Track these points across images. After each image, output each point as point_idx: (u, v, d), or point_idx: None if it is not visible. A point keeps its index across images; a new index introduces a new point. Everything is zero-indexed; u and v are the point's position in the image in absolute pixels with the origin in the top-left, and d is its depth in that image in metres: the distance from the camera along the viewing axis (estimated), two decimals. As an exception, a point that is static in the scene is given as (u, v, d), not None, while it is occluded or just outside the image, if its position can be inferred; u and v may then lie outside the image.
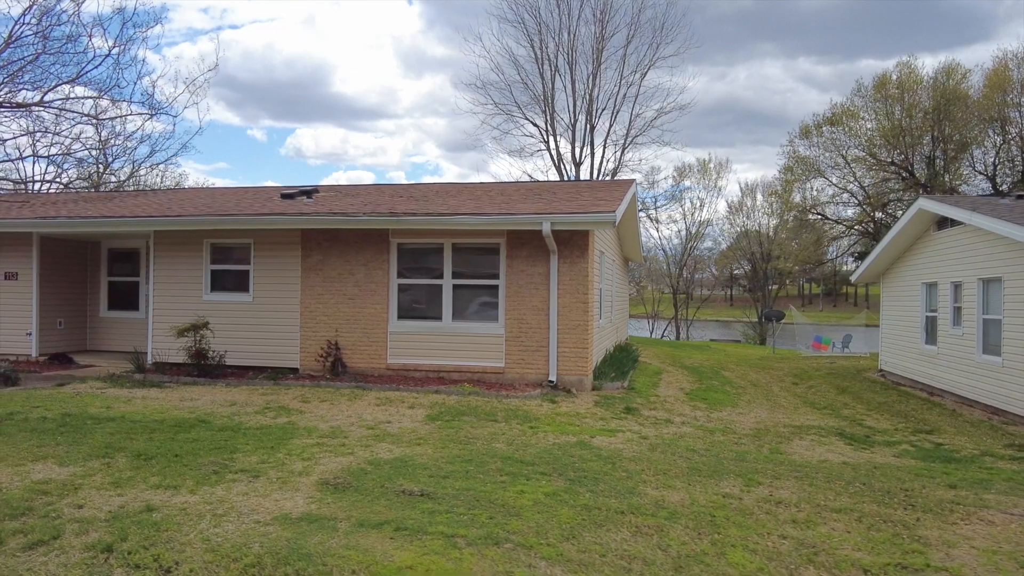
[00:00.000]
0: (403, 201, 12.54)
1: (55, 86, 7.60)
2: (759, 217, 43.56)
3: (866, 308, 78.35)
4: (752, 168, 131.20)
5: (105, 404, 9.01)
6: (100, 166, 27.82)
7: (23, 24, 8.01)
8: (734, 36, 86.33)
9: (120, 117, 7.88)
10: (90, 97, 7.75)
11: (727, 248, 49.10)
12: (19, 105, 7.56)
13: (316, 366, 11.70)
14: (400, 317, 11.71)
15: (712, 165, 39.17)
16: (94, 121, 7.80)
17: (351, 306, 11.73)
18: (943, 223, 13.79)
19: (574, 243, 10.94)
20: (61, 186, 12.68)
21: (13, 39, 8.07)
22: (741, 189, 58.26)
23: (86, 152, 8.49)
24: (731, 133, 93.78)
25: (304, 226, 11.54)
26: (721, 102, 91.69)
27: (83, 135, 8.61)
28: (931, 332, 14.31)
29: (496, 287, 11.40)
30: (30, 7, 8.03)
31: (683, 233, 38.02)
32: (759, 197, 42.99)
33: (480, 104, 29.06)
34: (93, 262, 14.69)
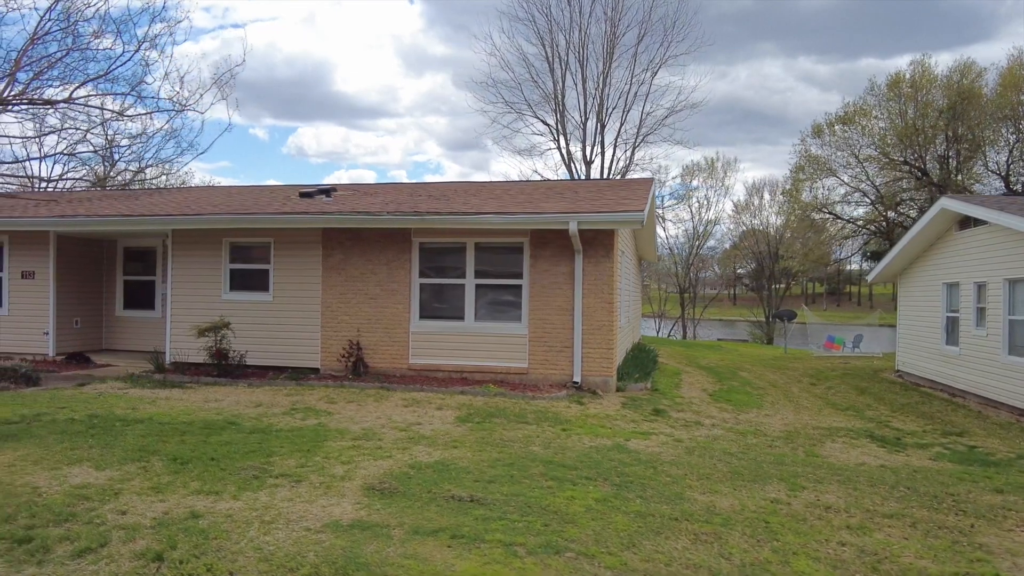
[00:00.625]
0: (424, 200, 12.42)
1: (83, 83, 7.49)
2: (767, 216, 43.49)
3: (870, 307, 78.30)
4: (753, 167, 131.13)
5: (130, 405, 8.90)
6: (107, 165, 27.70)
7: (49, 20, 7.89)
8: (734, 36, 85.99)
9: (148, 114, 7.75)
10: (117, 94, 7.64)
11: (730, 247, 48.98)
12: (47, 102, 7.44)
13: (337, 366, 11.58)
14: (422, 317, 11.59)
15: (719, 164, 39.07)
16: (122, 117, 7.68)
17: (372, 306, 11.62)
18: (965, 223, 13.66)
19: (599, 243, 10.82)
20: (88, 183, 12.54)
21: (38, 36, 7.95)
22: (747, 189, 58.24)
23: (95, 151, 8.32)
24: (732, 132, 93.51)
25: (327, 225, 11.42)
26: (722, 101, 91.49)
27: (91, 134, 8.45)
28: (952, 333, 14.19)
29: (519, 287, 11.28)
30: (54, 3, 7.90)
31: (690, 232, 37.92)
32: (766, 196, 42.90)
33: (491, 103, 28.85)
34: (108, 261, 14.56)
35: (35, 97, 7.40)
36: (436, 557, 4.27)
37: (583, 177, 26.65)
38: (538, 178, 27.15)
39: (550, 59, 27.16)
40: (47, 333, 13.08)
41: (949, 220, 14.16)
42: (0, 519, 4.79)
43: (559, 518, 4.97)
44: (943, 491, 6.55)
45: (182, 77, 8.44)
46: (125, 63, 7.48)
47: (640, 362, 13.35)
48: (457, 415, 8.71)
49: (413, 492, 5.42)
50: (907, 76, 30.04)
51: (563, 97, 27.31)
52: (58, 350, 13.09)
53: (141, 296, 14.51)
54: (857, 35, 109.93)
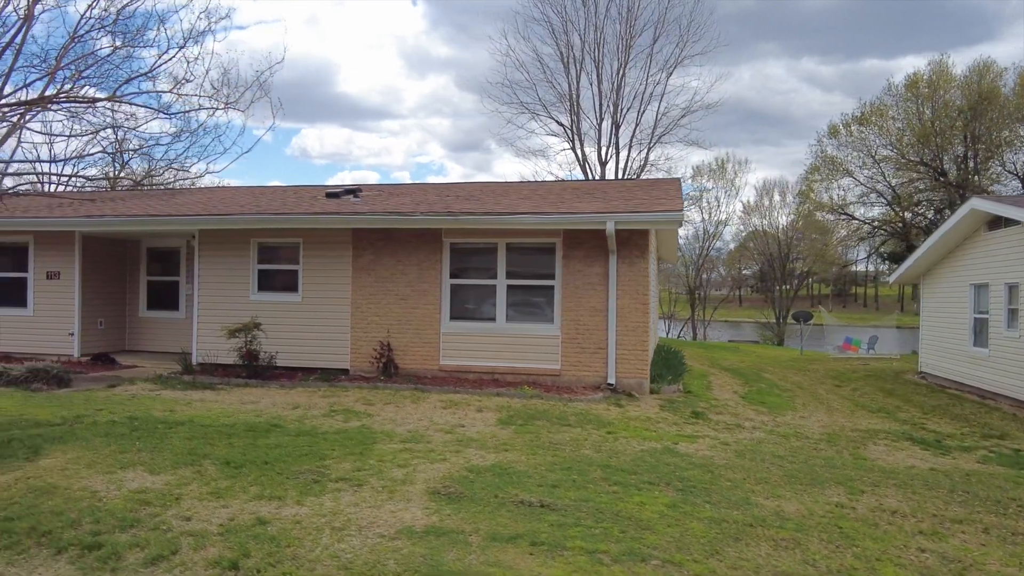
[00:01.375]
0: (453, 200, 12.32)
1: (127, 80, 7.38)
2: (777, 217, 43.39)
3: (876, 309, 78.07)
4: (755, 169, 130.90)
5: (166, 407, 8.80)
6: (117, 165, 27.59)
7: (89, 18, 7.78)
8: (737, 36, 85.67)
9: (195, 111, 7.63)
10: (164, 91, 7.54)
11: (736, 248, 48.83)
12: (92, 100, 7.34)
13: (367, 367, 11.48)
14: (453, 318, 11.49)
15: (730, 165, 38.98)
16: (166, 115, 7.58)
17: (403, 307, 11.51)
18: (995, 223, 13.54)
19: (633, 243, 10.72)
20: (102, 183, 12.37)
21: (78, 36, 7.84)
22: (757, 190, 58.17)
23: (135, 150, 8.18)
24: (735, 133, 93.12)
25: (359, 225, 11.32)
26: (725, 102, 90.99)
27: (129, 133, 8.31)
28: (981, 334, 14.07)
29: (551, 288, 11.18)
30: (95, 2, 7.79)
31: (700, 233, 37.78)
32: (776, 197, 42.79)
33: (505, 103, 28.68)
34: (132, 261, 14.46)
35: (78, 95, 7.30)
36: (520, 565, 4.17)
37: (598, 177, 26.55)
38: (552, 178, 27.07)
39: (565, 59, 27.06)
40: (72, 334, 12.98)
41: (978, 221, 14.04)
42: (65, 524, 4.69)
43: (635, 524, 4.87)
44: (1004, 496, 6.45)
45: (226, 73, 8.33)
46: (169, 60, 7.38)
47: (669, 364, 13.25)
48: (498, 417, 8.61)
49: (479, 497, 5.32)
50: (925, 76, 29.89)
51: (578, 97, 27.21)
52: (83, 351, 12.99)
53: (164, 297, 14.41)
54: (860, 35, 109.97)
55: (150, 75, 7.39)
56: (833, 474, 6.97)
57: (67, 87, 7.43)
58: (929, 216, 31.38)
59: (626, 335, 10.70)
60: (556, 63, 27.56)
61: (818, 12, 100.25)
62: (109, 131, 8.45)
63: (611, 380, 10.67)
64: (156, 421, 7.82)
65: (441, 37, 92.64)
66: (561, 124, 27.62)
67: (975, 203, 13.74)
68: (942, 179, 29.33)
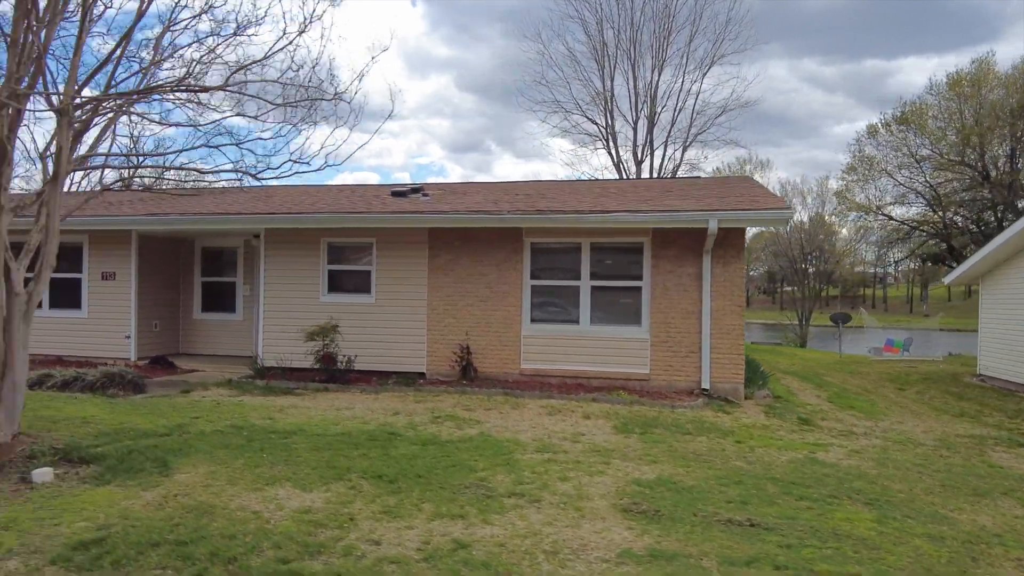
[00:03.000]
0: (524, 198, 11.93)
1: (238, 69, 6.97)
2: (800, 217, 43.16)
3: (884, 310, 77.92)
4: (772, 168, 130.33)
5: (261, 415, 8.36)
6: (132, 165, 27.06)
7: (183, 6, 7.37)
8: (741, 36, 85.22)
9: (308, 101, 7.22)
10: (275, 81, 7.12)
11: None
12: (202, 88, 6.91)
13: (445, 370, 11.07)
14: (534, 320, 11.10)
15: (748, 166, 38.74)
16: (282, 105, 7.16)
17: (482, 308, 11.11)
18: (1071, 223, 13.27)
19: (729, 243, 10.36)
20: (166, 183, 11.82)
21: (173, 23, 7.43)
22: (778, 191, 58.11)
23: (238, 143, 7.67)
24: (737, 134, 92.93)
25: (439, 224, 10.91)
26: (727, 103, 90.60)
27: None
28: (1052, 336, 13.80)
29: (639, 289, 10.80)
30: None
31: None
32: (796, 198, 42.62)
33: (538, 103, 28.26)
34: (186, 261, 13.97)
35: (190, 85, 6.87)
36: (778, 594, 3.79)
37: (634, 175, 26.19)
38: (587, 177, 26.68)
39: (600, 57, 26.66)
40: (129, 336, 12.49)
41: (1052, 221, 13.78)
42: (246, 550, 4.28)
43: (862, 544, 4.51)
44: None
45: (361, 74, 8.05)
46: (282, 48, 6.96)
47: (751, 367, 12.84)
48: (612, 425, 8.22)
49: (677, 515, 4.93)
50: (968, 75, 29.63)
51: (613, 97, 26.81)
52: (139, 354, 12.51)
53: (220, 298, 13.93)
54: (861, 36, 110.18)
55: (264, 62, 6.95)
56: (988, 484, 6.64)
57: (188, 75, 7.01)
58: (971, 216, 31.07)
59: (720, 338, 10.34)
60: (589, 61, 27.20)
61: (820, 12, 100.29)
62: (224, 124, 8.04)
63: (705, 385, 10.31)
64: (264, 431, 7.39)
65: (441, 38, 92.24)
66: (595, 123, 27.27)
67: (1052, 202, 13.45)
68: (987, 180, 28.99)
